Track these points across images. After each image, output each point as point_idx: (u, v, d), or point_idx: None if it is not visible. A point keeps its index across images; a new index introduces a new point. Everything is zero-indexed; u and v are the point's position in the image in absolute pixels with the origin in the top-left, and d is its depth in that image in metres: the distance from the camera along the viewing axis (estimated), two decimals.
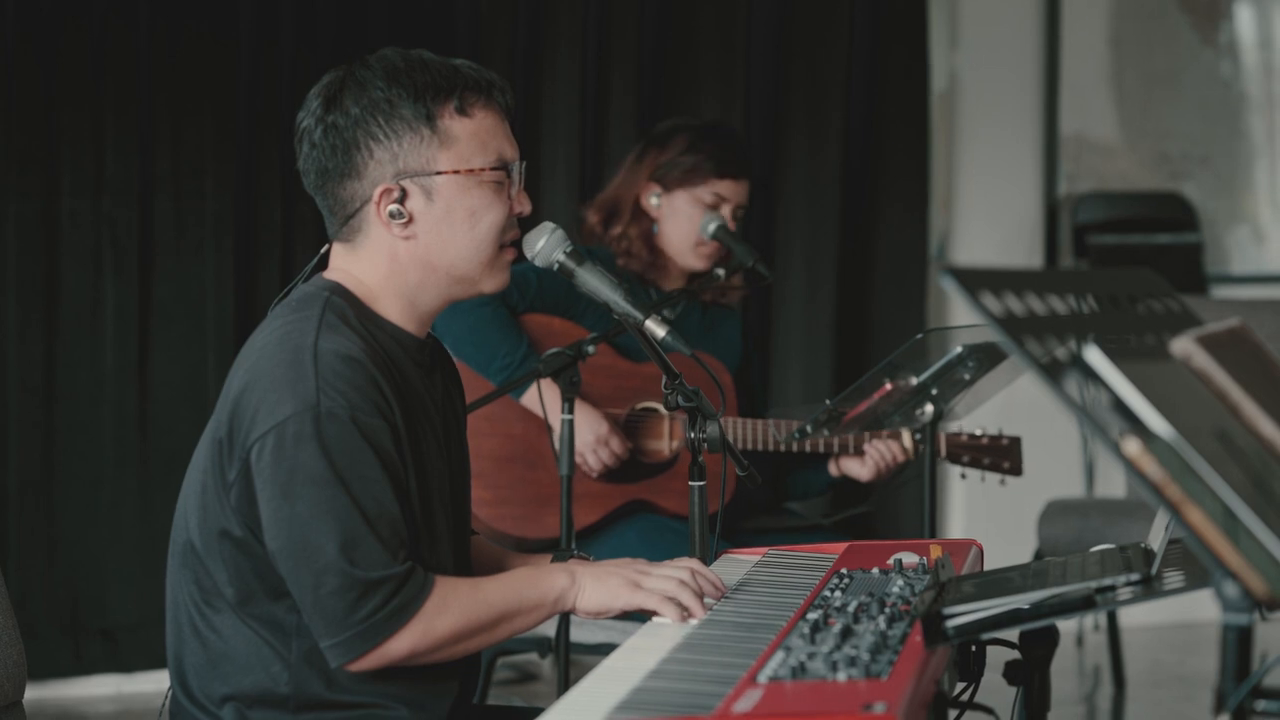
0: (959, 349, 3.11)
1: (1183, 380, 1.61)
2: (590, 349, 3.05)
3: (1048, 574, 1.95)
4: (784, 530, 3.61)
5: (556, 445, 3.06)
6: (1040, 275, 1.78)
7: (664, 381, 2.40)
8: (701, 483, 2.43)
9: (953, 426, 3.56)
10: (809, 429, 3.24)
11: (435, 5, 4.85)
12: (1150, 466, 1.46)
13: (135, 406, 4.66)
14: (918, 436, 3.44)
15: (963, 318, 4.74)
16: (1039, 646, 1.99)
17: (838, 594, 2.11)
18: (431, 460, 2.17)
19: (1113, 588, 1.81)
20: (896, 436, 3.50)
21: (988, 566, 2.32)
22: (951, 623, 1.79)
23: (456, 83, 2.16)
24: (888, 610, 1.97)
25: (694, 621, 2.07)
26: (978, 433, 3.57)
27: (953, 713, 2.05)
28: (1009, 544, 4.29)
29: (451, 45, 4.76)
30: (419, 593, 2.03)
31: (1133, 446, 1.46)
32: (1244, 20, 5.74)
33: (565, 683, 3.11)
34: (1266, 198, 5.78)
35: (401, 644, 2.03)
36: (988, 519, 5.18)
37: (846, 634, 1.86)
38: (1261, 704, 1.50)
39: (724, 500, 2.68)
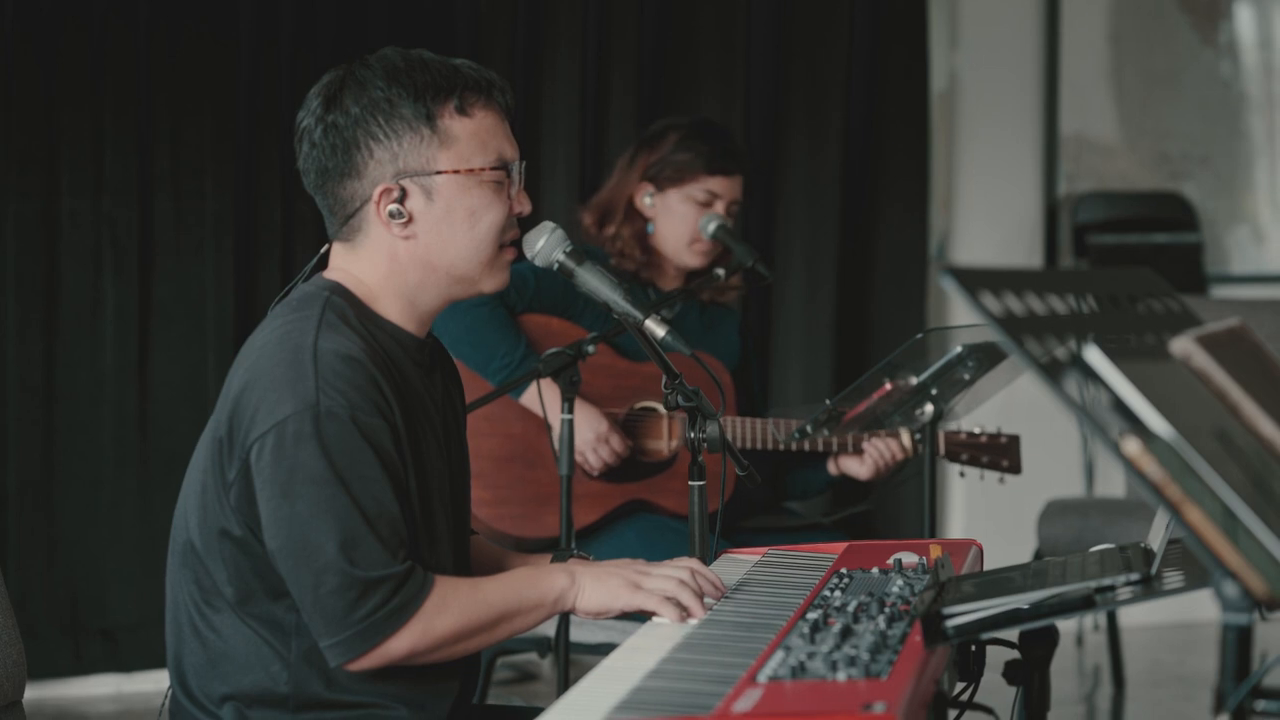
0: (959, 349, 3.11)
1: (1182, 380, 1.61)
2: (590, 348, 3.05)
3: (1047, 574, 1.95)
4: (783, 529, 3.61)
5: (556, 445, 3.06)
6: (1040, 275, 1.78)
7: (664, 381, 2.40)
8: (701, 482, 2.43)
9: (951, 425, 3.56)
10: (809, 429, 3.24)
11: (435, 5, 4.85)
12: (1150, 466, 1.46)
13: (135, 406, 4.66)
14: (917, 436, 3.44)
15: (963, 318, 4.74)
16: (1039, 646, 1.99)
17: (837, 594, 2.11)
18: (431, 460, 2.17)
19: (1112, 587, 1.81)
20: (895, 435, 3.50)
21: (987, 566, 2.33)
22: (951, 622, 1.79)
23: (456, 82, 2.16)
24: (887, 610, 1.97)
25: (693, 621, 2.07)
26: (976, 431, 3.57)
27: (952, 712, 2.05)
28: (1009, 544, 4.29)
29: (451, 45, 4.76)
30: (418, 592, 2.03)
31: (1132, 446, 1.46)
32: (1244, 20, 5.74)
33: (565, 682, 3.11)
34: (1266, 198, 5.78)
35: (401, 643, 2.03)
36: (987, 519, 5.18)
37: (846, 634, 1.86)
38: (1261, 704, 1.50)
39: (724, 499, 2.68)
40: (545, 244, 2.36)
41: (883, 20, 5.25)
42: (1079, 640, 5.40)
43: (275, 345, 2.09)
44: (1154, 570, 1.85)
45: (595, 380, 3.43)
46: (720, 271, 3.50)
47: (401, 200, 2.15)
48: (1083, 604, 1.81)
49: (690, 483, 2.43)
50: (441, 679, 2.16)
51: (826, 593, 2.12)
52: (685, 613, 2.09)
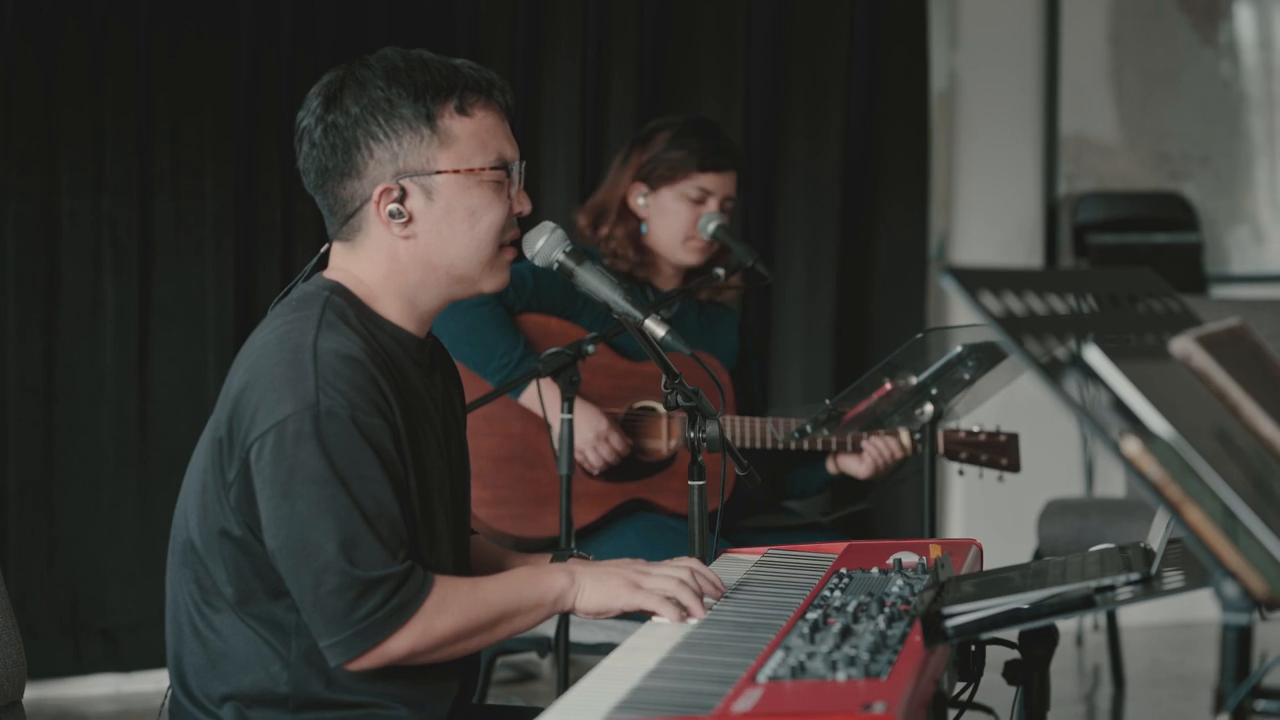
0: (959, 348, 3.11)
1: (1182, 380, 1.61)
2: (590, 348, 3.05)
3: (1047, 574, 1.95)
4: (782, 528, 3.61)
5: (556, 444, 3.06)
6: (1040, 275, 1.78)
7: (664, 381, 2.40)
8: (701, 482, 2.43)
9: (950, 423, 3.55)
10: (809, 428, 3.24)
11: (435, 5, 4.85)
12: (1150, 466, 1.46)
13: (135, 406, 4.66)
14: (917, 436, 3.44)
15: (962, 317, 4.75)
16: (1038, 646, 1.99)
17: (837, 594, 2.11)
18: (431, 460, 2.17)
19: (1112, 587, 1.81)
20: (894, 433, 3.50)
21: (987, 566, 2.33)
22: (951, 622, 1.79)
23: (456, 82, 2.16)
24: (887, 610, 1.97)
25: (693, 621, 2.07)
26: (975, 429, 3.57)
27: (952, 712, 2.05)
28: (1008, 543, 4.29)
29: (451, 45, 4.76)
30: (418, 592, 2.03)
31: (1132, 446, 1.46)
32: (1244, 20, 5.74)
33: (565, 682, 3.11)
34: (1266, 198, 5.78)
35: (401, 643, 2.03)
36: (987, 518, 5.18)
37: (846, 634, 1.86)
38: (1261, 704, 1.50)
39: (723, 499, 2.68)
40: (545, 244, 2.36)
41: (883, 20, 5.25)
42: (1079, 640, 5.40)
43: (275, 345, 2.09)
44: (1154, 570, 1.85)
45: (594, 380, 3.43)
46: (720, 271, 3.50)
47: (401, 200, 2.16)
48: (1083, 604, 1.81)
49: (690, 482, 2.43)
50: (441, 679, 2.16)
51: (826, 593, 2.12)
52: (685, 612, 2.09)
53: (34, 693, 4.39)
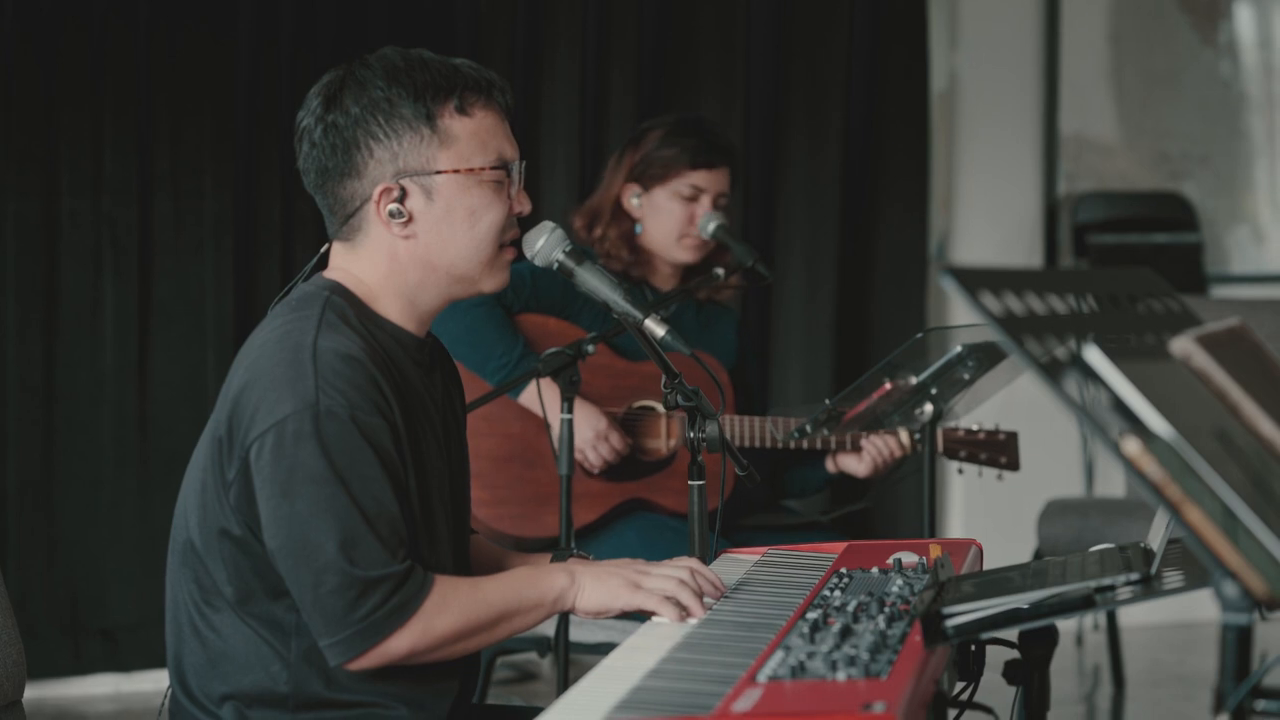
0: (958, 348, 3.11)
1: (1182, 380, 1.61)
2: (590, 348, 3.05)
3: (1047, 573, 1.95)
4: (782, 527, 3.61)
5: (556, 444, 3.06)
6: (1040, 275, 1.78)
7: (663, 381, 2.40)
8: (701, 482, 2.43)
9: (949, 422, 3.55)
10: (808, 428, 3.24)
11: (435, 5, 4.85)
12: (1150, 466, 1.46)
13: (135, 406, 4.66)
14: (917, 436, 3.44)
15: (962, 317, 4.75)
16: (1038, 646, 1.99)
17: (837, 593, 2.11)
18: (431, 460, 2.17)
19: (1112, 587, 1.81)
20: (894, 432, 3.50)
21: (987, 566, 2.33)
22: (951, 622, 1.79)
23: (456, 82, 2.16)
24: (887, 610, 1.97)
25: (693, 621, 2.07)
26: (974, 428, 3.57)
27: (952, 712, 2.05)
28: (1008, 543, 4.29)
29: (451, 45, 4.76)
30: (418, 592, 2.03)
31: (1132, 446, 1.46)
32: (1244, 20, 5.74)
33: (565, 682, 3.11)
34: (1266, 198, 5.78)
35: (401, 643, 2.03)
36: (987, 518, 5.18)
37: (846, 633, 1.86)
38: (1261, 704, 1.50)
39: (723, 499, 2.68)
40: (545, 244, 2.36)
41: (883, 20, 5.25)
42: (1079, 640, 5.40)
43: (275, 344, 2.09)
44: (1154, 570, 1.85)
45: (594, 380, 3.43)
46: (720, 271, 3.50)
47: (401, 200, 2.16)
48: (1082, 604, 1.81)
49: (690, 482, 2.43)
50: (441, 678, 2.16)
51: (826, 592, 2.12)
52: (685, 612, 2.09)
53: (34, 692, 4.39)
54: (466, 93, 2.16)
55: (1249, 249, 5.76)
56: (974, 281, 1.56)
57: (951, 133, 5.52)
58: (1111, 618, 4.90)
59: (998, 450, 3.56)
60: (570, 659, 3.15)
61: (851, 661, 1.72)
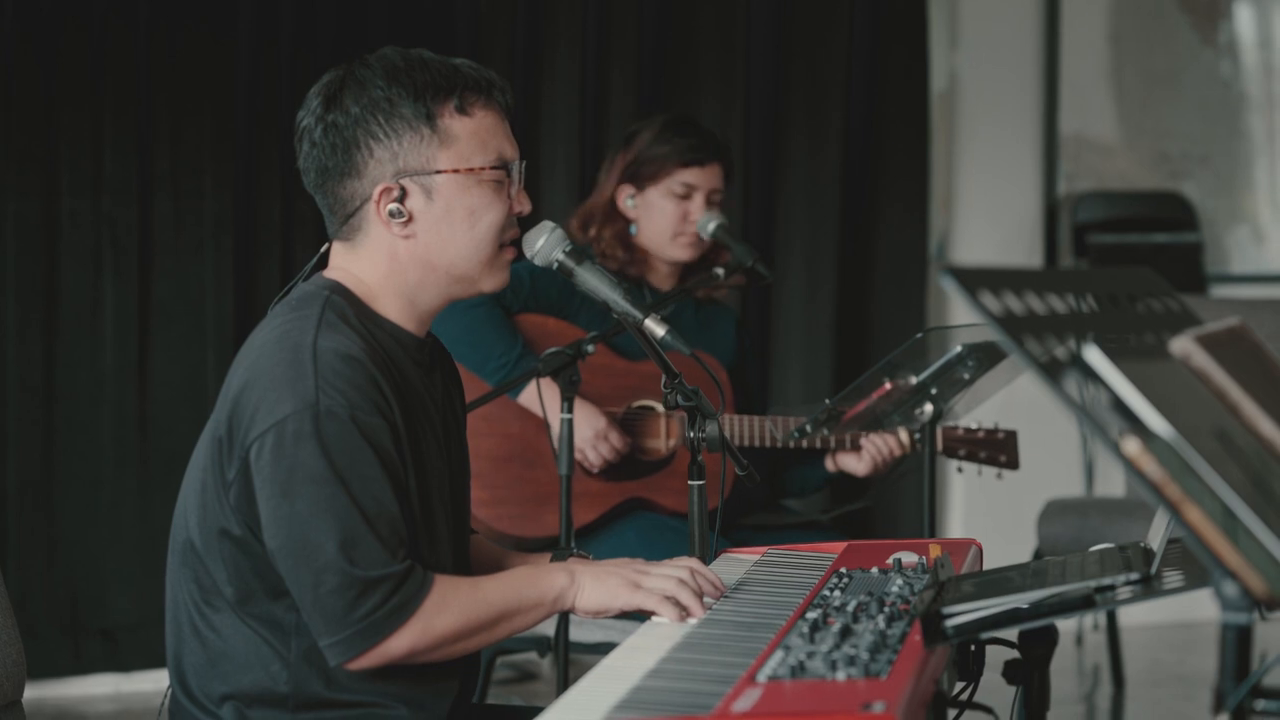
0: (958, 348, 3.11)
1: (1182, 380, 1.61)
2: (589, 348, 3.05)
3: (1047, 573, 1.95)
4: (781, 527, 3.61)
5: (555, 444, 3.06)
6: (1040, 275, 1.78)
7: (663, 381, 2.40)
8: (701, 482, 2.43)
9: (949, 421, 3.55)
10: (808, 428, 3.24)
11: (435, 5, 4.85)
12: (1149, 466, 1.46)
13: (135, 406, 4.66)
14: (917, 436, 3.44)
15: (962, 317, 4.75)
16: (1038, 646, 1.99)
17: (837, 593, 2.11)
18: (431, 459, 2.17)
19: (1112, 587, 1.81)
20: (893, 431, 3.50)
21: (987, 566, 2.33)
22: (951, 622, 1.79)
23: (456, 82, 2.16)
24: (887, 610, 1.97)
25: (693, 621, 2.07)
26: (974, 427, 3.57)
27: (952, 712, 2.05)
28: (1008, 543, 4.29)
29: (451, 45, 4.76)
30: (418, 591, 2.03)
31: (1132, 446, 1.46)
32: (1244, 20, 5.74)
33: (564, 682, 3.11)
34: (1266, 197, 5.78)
35: (401, 643, 2.03)
36: (987, 518, 5.18)
37: (846, 633, 1.86)
38: (1261, 703, 1.50)
39: (723, 498, 2.68)
40: (545, 243, 2.36)
41: (883, 20, 5.25)
42: (1079, 640, 5.40)
43: (275, 344, 2.09)
44: (1154, 570, 1.85)
45: (593, 380, 3.43)
46: (720, 271, 3.50)
47: (401, 199, 2.16)
48: (1082, 603, 1.81)
49: (690, 482, 2.43)
50: (441, 678, 2.16)
51: (826, 592, 2.12)
52: (685, 612, 2.09)
53: (34, 692, 4.39)
54: (466, 92, 2.16)
55: (1249, 249, 5.76)
56: (974, 281, 1.56)
57: (951, 133, 5.52)
58: (1111, 617, 4.90)
59: (997, 449, 3.56)
60: (570, 659, 3.15)
61: (851, 661, 1.72)
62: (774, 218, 5.19)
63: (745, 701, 1.63)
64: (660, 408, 3.47)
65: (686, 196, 3.54)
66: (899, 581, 2.15)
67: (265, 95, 4.72)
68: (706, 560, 2.37)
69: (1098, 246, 5.52)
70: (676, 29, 5.07)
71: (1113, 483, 5.37)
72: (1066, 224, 5.56)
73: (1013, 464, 3.58)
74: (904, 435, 3.50)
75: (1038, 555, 4.54)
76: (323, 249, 2.25)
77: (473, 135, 2.17)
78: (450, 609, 2.05)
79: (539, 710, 1.83)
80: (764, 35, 5.13)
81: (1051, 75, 5.55)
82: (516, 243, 2.27)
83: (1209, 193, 5.70)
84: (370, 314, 2.17)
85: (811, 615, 1.96)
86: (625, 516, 3.48)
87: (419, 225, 2.16)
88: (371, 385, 2.06)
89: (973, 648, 2.12)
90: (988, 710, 2.03)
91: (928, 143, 5.35)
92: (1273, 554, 1.46)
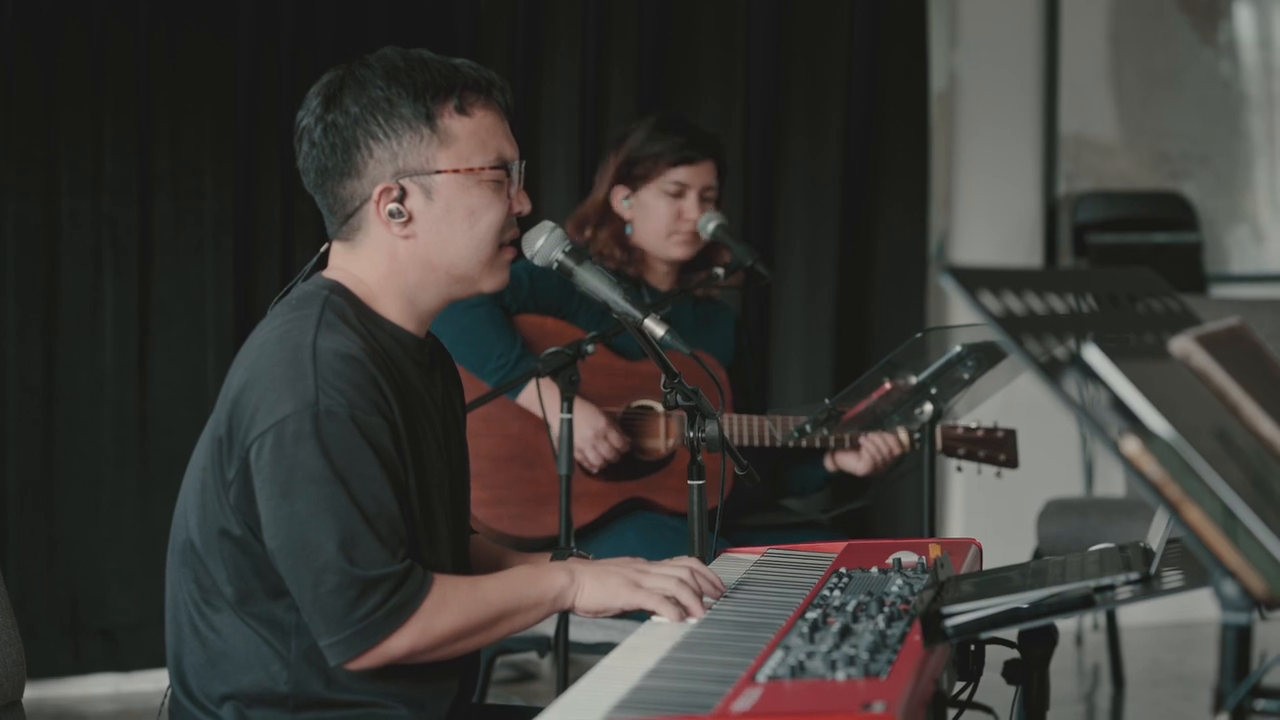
0: (958, 348, 3.11)
1: (1182, 379, 1.61)
2: (589, 348, 3.05)
3: (1047, 573, 1.95)
4: (781, 526, 3.61)
5: (555, 444, 3.06)
6: (1040, 274, 1.78)
7: (663, 380, 2.40)
8: (700, 482, 2.43)
9: (948, 421, 3.56)
10: (808, 428, 3.23)
11: (435, 5, 4.85)
12: (1149, 465, 1.46)
13: (135, 406, 4.66)
14: (917, 436, 3.44)
15: (962, 317, 4.75)
16: (1038, 646, 1.99)
17: (837, 593, 2.11)
18: (431, 459, 2.17)
19: (1112, 587, 1.81)
20: (892, 430, 3.50)
21: (987, 565, 2.33)
22: (950, 622, 1.79)
23: (456, 82, 2.16)
24: (887, 609, 1.97)
25: (693, 621, 2.07)
26: (973, 426, 3.57)
27: (952, 712, 2.05)
28: (1008, 543, 4.29)
29: (451, 45, 4.76)
30: (418, 591, 2.03)
31: (1132, 445, 1.46)
32: (1244, 20, 5.74)
33: (564, 682, 3.11)
34: (1266, 197, 5.78)
35: (401, 642, 2.03)
36: (987, 518, 5.18)
37: (845, 633, 1.86)
38: (1260, 703, 1.50)
39: (723, 498, 2.68)
40: (545, 243, 2.36)
41: (883, 20, 5.25)
42: (1078, 640, 5.40)
43: (275, 344, 2.09)
44: (1153, 569, 1.85)
45: (592, 379, 3.43)
46: (720, 270, 3.51)
47: (401, 199, 2.16)
48: (1082, 603, 1.81)
49: (689, 482, 2.42)
50: (441, 678, 2.16)
51: (826, 592, 2.12)
52: (684, 612, 2.09)
53: (34, 692, 4.39)
54: (466, 92, 2.16)
55: (1249, 249, 5.76)
56: (973, 281, 1.56)
57: (951, 133, 5.52)
58: (1111, 617, 4.90)
59: (996, 448, 3.56)
60: (570, 659, 3.15)
61: (851, 661, 1.72)
62: (774, 218, 5.19)
63: (745, 701, 1.63)
64: (660, 407, 3.47)
65: (679, 195, 3.54)
66: (899, 581, 2.15)
67: (265, 95, 4.72)
68: (706, 560, 2.37)
69: (1098, 246, 5.52)
70: (676, 29, 5.07)
71: (1113, 483, 5.37)
72: (1066, 224, 5.56)
73: (1012, 462, 3.58)
74: (903, 435, 3.50)
75: (1037, 555, 4.54)
76: (322, 249, 2.25)
77: (472, 135, 2.17)
78: (450, 608, 2.05)
79: (539, 710, 1.83)
80: (764, 35, 5.13)
81: (1051, 75, 5.55)
82: (516, 243, 2.27)
83: (1209, 193, 5.70)
84: (370, 314, 2.17)
85: (811, 615, 1.96)
86: (625, 516, 3.48)
87: (419, 225, 2.16)
88: (371, 385, 2.06)
89: (972, 647, 2.12)
90: (987, 710, 2.03)
91: (928, 143, 5.35)
92: (1273, 554, 1.46)
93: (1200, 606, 4.13)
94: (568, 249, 2.36)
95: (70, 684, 4.70)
